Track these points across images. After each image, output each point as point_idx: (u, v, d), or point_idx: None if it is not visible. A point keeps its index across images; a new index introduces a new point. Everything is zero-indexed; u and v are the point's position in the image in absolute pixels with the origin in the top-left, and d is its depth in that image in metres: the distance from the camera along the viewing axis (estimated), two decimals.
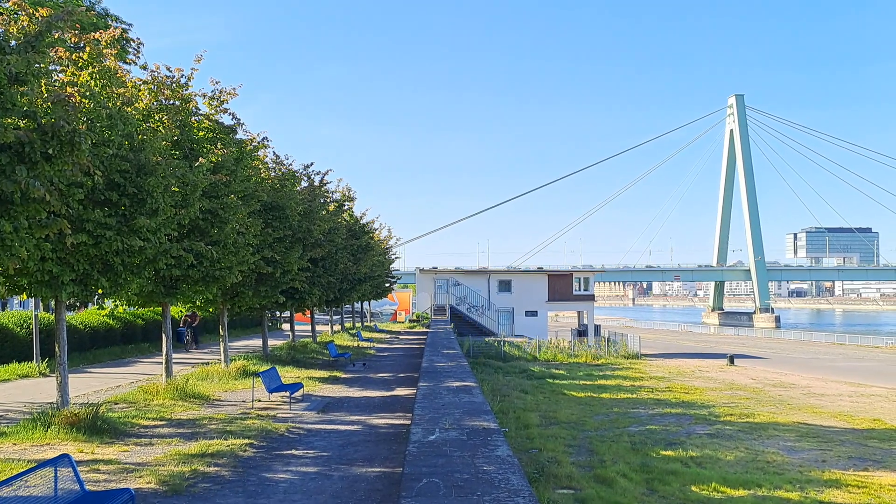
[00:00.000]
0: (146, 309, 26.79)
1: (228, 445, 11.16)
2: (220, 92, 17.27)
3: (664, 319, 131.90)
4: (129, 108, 12.64)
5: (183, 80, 15.71)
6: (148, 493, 8.60)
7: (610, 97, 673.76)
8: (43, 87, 9.51)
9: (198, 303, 20.18)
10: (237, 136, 17.96)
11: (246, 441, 11.53)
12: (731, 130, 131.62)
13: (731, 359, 47.76)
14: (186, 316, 30.99)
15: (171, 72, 15.62)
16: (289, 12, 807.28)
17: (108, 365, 23.88)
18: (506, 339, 48.97)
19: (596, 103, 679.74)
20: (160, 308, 18.23)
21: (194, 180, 14.09)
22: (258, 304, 22.15)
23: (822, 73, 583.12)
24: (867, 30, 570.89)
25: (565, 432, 20.66)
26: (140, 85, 15.04)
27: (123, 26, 18.03)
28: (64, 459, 7.08)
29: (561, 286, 59.43)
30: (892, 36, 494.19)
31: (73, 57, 11.84)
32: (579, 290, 59.92)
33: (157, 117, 14.97)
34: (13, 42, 8.88)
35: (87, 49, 11.83)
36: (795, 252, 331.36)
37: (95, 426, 11.60)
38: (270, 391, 15.10)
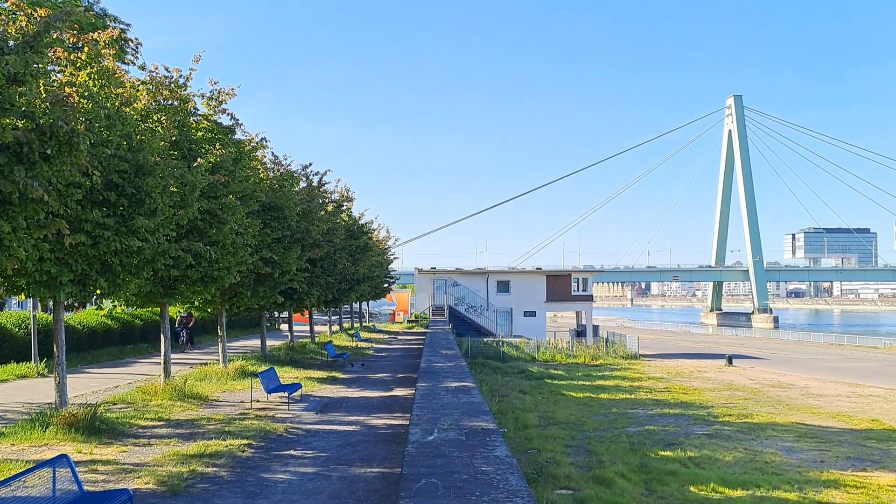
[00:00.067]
0: (144, 309, 26.83)
1: (227, 446, 11.15)
2: (219, 92, 17.26)
3: (663, 320, 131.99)
4: (127, 109, 12.63)
5: (181, 81, 15.69)
6: (146, 493, 8.59)
7: (608, 98, 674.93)
8: (41, 88, 9.51)
9: (196, 303, 20.18)
10: (236, 137, 17.96)
11: (244, 441, 11.52)
12: (730, 131, 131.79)
13: (730, 359, 47.78)
14: (182, 317, 30.96)
15: (169, 72, 15.61)
16: (288, 13, 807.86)
17: (107, 365, 23.86)
18: (504, 339, 48.95)
19: (594, 104, 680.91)
20: (158, 308, 18.21)
21: (193, 181, 14.08)
22: (256, 304, 22.14)
23: (821, 74, 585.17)
24: (865, 31, 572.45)
25: (564, 433, 20.67)
26: (138, 85, 15.04)
27: (122, 26, 18.07)
28: (62, 460, 7.07)
29: (559, 286, 59.44)
30: (890, 37, 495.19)
31: (72, 57, 11.84)
32: (578, 290, 59.92)
33: (155, 117, 14.96)
34: (11, 42, 8.88)
35: (86, 49, 11.83)
36: (794, 252, 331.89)
37: (94, 427, 11.59)
38: (269, 391, 15.09)
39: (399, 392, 18.27)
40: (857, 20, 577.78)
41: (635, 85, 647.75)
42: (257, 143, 19.05)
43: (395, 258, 59.46)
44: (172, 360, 17.98)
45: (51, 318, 17.93)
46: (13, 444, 10.88)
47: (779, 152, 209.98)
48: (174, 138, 15.28)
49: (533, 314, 58.55)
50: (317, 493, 8.80)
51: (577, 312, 62.95)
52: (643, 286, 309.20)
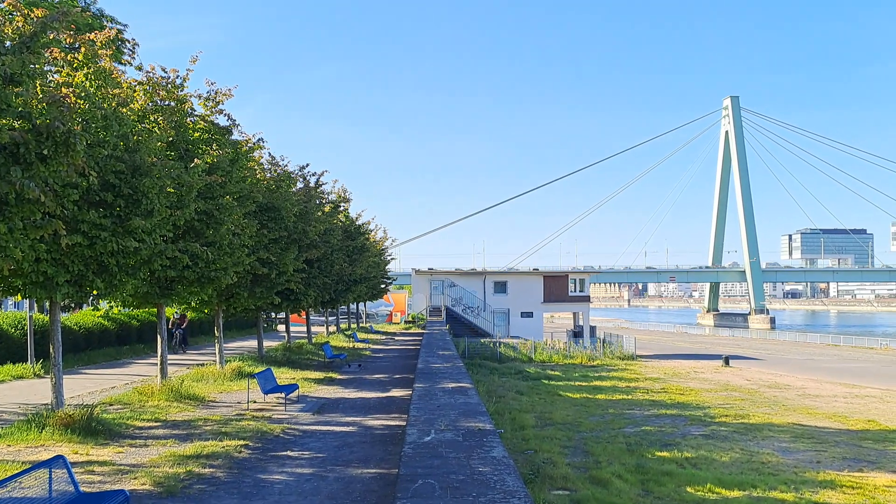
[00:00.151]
0: (141, 310, 26.75)
1: (223, 447, 11.14)
2: (216, 93, 17.25)
3: (659, 320, 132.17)
4: (124, 109, 12.61)
5: (178, 81, 15.68)
6: (143, 494, 8.58)
7: (605, 99, 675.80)
8: (38, 88, 9.49)
9: (193, 304, 20.17)
10: (233, 137, 17.94)
11: (241, 442, 11.51)
12: (727, 132, 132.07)
13: (727, 360, 47.83)
14: (175, 318, 30.90)
15: (166, 72, 15.60)
16: (285, 13, 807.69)
17: (103, 366, 23.82)
18: (501, 340, 48.97)
19: (592, 105, 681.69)
20: (155, 309, 18.19)
21: (189, 181, 14.07)
22: (253, 305, 22.13)
23: (817, 75, 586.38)
24: (862, 32, 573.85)
25: (561, 433, 20.69)
26: (135, 86, 15.02)
27: (119, 27, 18.07)
28: (58, 461, 7.06)
29: (556, 287, 59.49)
30: (886, 38, 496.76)
31: (69, 58, 11.83)
32: (575, 291, 59.97)
33: (152, 118, 14.95)
34: (8, 43, 8.87)
35: (83, 50, 11.82)
36: (790, 253, 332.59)
37: (90, 427, 11.57)
38: (266, 392, 15.08)
39: (396, 393, 18.27)
40: (855, 20, 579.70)
41: (632, 86, 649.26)
42: (254, 144, 19.04)
43: (392, 259, 59.46)
44: (169, 361, 17.96)
45: (47, 318, 17.89)
46: (9, 445, 10.86)
47: (775, 153, 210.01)
48: (171, 139, 15.27)
49: (530, 315, 58.59)
50: (314, 493, 8.80)
51: (574, 313, 63.02)
52: (640, 287, 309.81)
